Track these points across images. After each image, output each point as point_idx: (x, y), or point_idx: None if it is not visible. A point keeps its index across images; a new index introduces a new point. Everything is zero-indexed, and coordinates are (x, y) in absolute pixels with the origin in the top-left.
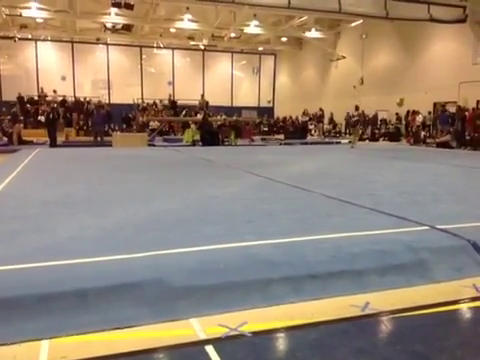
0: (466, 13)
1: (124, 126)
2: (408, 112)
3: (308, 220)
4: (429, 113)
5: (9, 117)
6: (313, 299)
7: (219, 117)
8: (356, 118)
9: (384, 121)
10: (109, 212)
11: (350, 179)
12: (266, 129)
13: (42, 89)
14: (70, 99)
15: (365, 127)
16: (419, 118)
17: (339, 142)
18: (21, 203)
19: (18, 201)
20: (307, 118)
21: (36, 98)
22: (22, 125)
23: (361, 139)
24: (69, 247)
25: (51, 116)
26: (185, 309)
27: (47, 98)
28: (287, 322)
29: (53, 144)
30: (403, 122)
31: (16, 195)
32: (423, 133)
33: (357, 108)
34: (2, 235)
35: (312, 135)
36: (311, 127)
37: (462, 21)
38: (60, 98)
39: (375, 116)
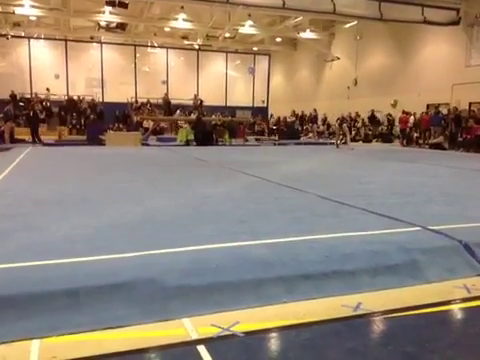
0: (459, 16)
1: (118, 125)
2: (399, 113)
3: (301, 220)
4: (427, 113)
5: (1, 115)
6: (305, 299)
7: (214, 116)
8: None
9: (377, 122)
10: (101, 211)
11: (343, 180)
12: (261, 129)
13: (36, 94)
14: (63, 98)
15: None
16: (411, 119)
17: (333, 143)
18: (13, 202)
19: (10, 199)
20: (293, 118)
21: (28, 96)
22: (14, 124)
23: (353, 140)
24: (61, 246)
25: (32, 114)
26: (177, 309)
27: (40, 96)
28: (279, 322)
29: (35, 141)
30: (397, 124)
31: (8, 193)
32: (415, 134)
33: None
34: None
35: (308, 136)
36: (305, 127)
37: (455, 23)
38: (54, 96)
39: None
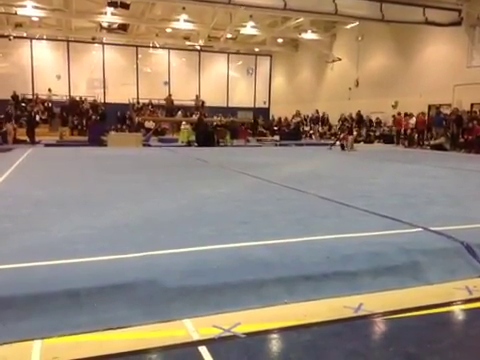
0: (461, 16)
1: (120, 126)
2: (401, 114)
3: (302, 221)
4: (423, 114)
5: (2, 116)
6: (307, 300)
7: (215, 117)
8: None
9: (379, 123)
10: (103, 212)
11: (345, 181)
12: (263, 130)
13: (37, 95)
14: (65, 98)
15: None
16: (412, 121)
17: (334, 144)
18: (14, 202)
19: (11, 200)
20: (299, 119)
21: (30, 97)
22: (15, 125)
23: (356, 141)
24: (62, 247)
25: (32, 115)
26: (178, 310)
27: (42, 97)
28: (280, 323)
29: (34, 142)
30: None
31: (9, 194)
32: (417, 135)
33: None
34: None
35: (310, 137)
36: (306, 128)
37: (457, 24)
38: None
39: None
